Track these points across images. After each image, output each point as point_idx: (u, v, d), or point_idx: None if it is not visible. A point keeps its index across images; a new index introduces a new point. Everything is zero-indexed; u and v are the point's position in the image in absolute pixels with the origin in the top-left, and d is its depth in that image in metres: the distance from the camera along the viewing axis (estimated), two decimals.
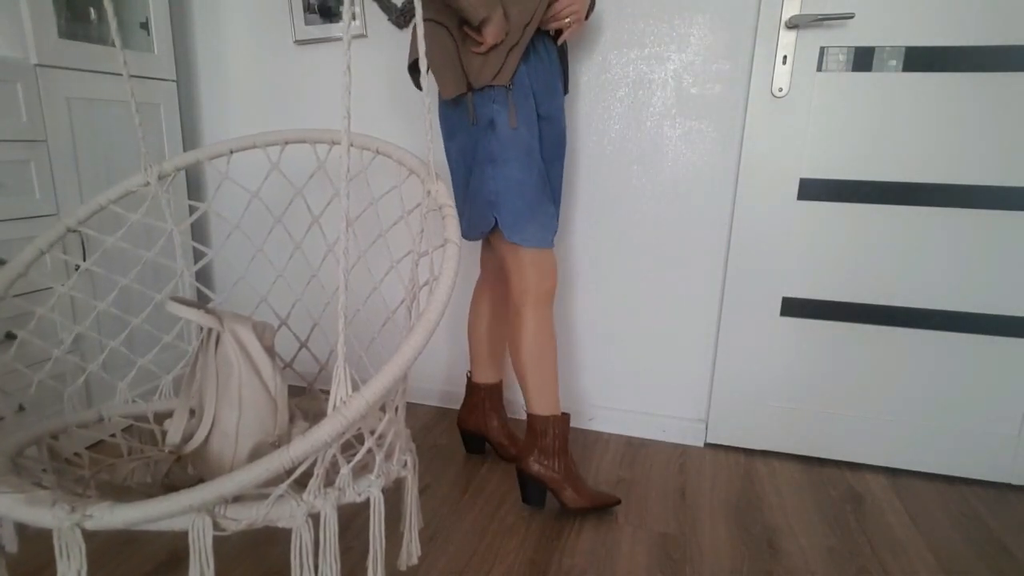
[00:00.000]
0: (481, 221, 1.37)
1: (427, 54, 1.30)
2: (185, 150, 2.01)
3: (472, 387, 1.68)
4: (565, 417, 1.43)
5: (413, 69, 1.42)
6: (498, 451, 1.68)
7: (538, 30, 1.34)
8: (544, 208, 1.37)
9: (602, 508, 1.45)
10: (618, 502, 1.46)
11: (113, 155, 1.71)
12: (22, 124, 1.47)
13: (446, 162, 1.47)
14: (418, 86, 1.46)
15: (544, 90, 1.38)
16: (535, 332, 1.39)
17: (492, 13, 1.22)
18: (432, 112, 1.48)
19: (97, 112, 1.66)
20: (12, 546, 0.88)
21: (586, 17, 1.39)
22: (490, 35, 1.24)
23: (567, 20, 1.33)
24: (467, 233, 1.43)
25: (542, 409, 1.41)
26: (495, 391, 1.67)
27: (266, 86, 1.97)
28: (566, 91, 1.51)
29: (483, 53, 1.27)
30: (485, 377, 1.66)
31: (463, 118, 1.35)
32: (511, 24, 1.26)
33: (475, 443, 1.70)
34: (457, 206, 1.45)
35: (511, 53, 1.27)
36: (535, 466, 1.42)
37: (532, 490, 1.44)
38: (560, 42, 1.39)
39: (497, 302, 1.61)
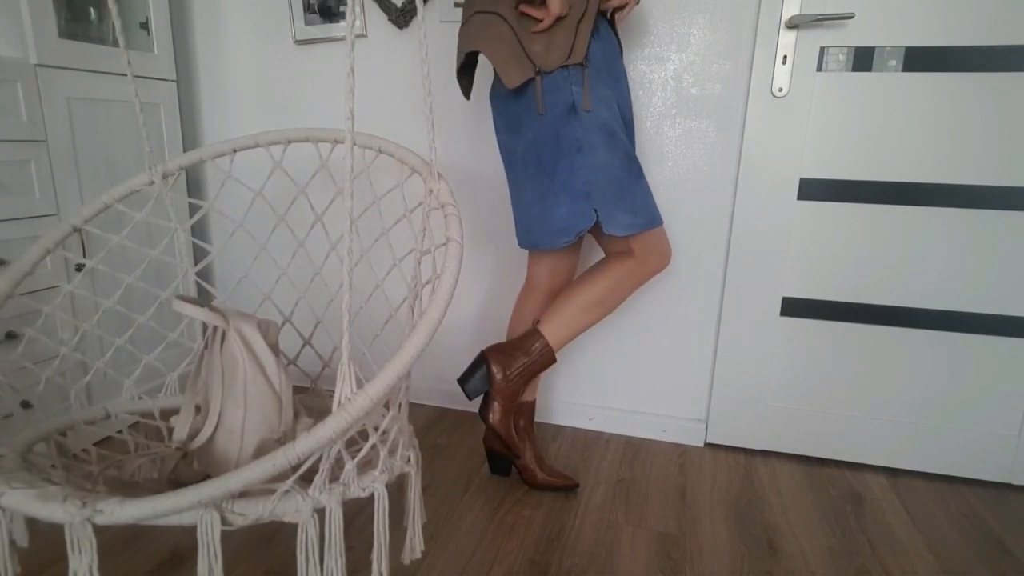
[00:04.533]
0: (577, 218, 1.27)
1: (486, 45, 1.24)
2: (185, 150, 2.01)
3: None
4: (553, 357, 1.39)
5: (463, 73, 1.34)
6: (523, 475, 1.53)
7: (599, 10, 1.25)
8: (632, 190, 1.28)
9: (505, 446, 1.45)
10: (519, 456, 1.47)
11: (113, 155, 1.71)
12: (22, 124, 1.47)
13: (449, 160, 1.44)
14: (466, 94, 1.40)
15: (608, 73, 1.28)
16: (612, 286, 1.34)
17: None
18: (434, 111, 1.45)
19: (97, 112, 1.66)
20: (23, 541, 0.88)
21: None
22: (555, 4, 1.15)
23: None
24: (556, 237, 1.31)
25: (549, 334, 1.37)
26: (528, 411, 1.52)
27: (266, 86, 1.98)
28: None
29: (545, 30, 1.19)
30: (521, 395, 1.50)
31: (530, 108, 1.25)
32: None
33: (501, 464, 1.56)
34: (523, 210, 1.38)
35: (580, 27, 1.18)
36: (495, 362, 1.38)
37: (476, 376, 1.40)
38: (619, 21, 1.30)
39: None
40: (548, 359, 1.39)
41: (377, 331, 1.20)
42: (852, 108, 1.50)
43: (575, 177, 1.25)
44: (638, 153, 1.68)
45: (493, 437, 1.52)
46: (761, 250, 1.63)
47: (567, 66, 1.20)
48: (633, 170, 1.29)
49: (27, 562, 1.23)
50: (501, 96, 1.32)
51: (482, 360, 1.41)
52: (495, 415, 1.41)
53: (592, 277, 1.38)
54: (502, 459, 1.55)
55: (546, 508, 1.46)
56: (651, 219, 1.32)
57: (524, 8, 1.20)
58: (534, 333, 1.39)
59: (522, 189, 1.36)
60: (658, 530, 1.39)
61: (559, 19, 1.19)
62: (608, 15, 1.33)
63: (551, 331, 1.38)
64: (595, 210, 1.26)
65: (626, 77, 1.39)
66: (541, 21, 1.19)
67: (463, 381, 1.41)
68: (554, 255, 1.48)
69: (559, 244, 1.32)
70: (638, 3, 1.33)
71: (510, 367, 1.39)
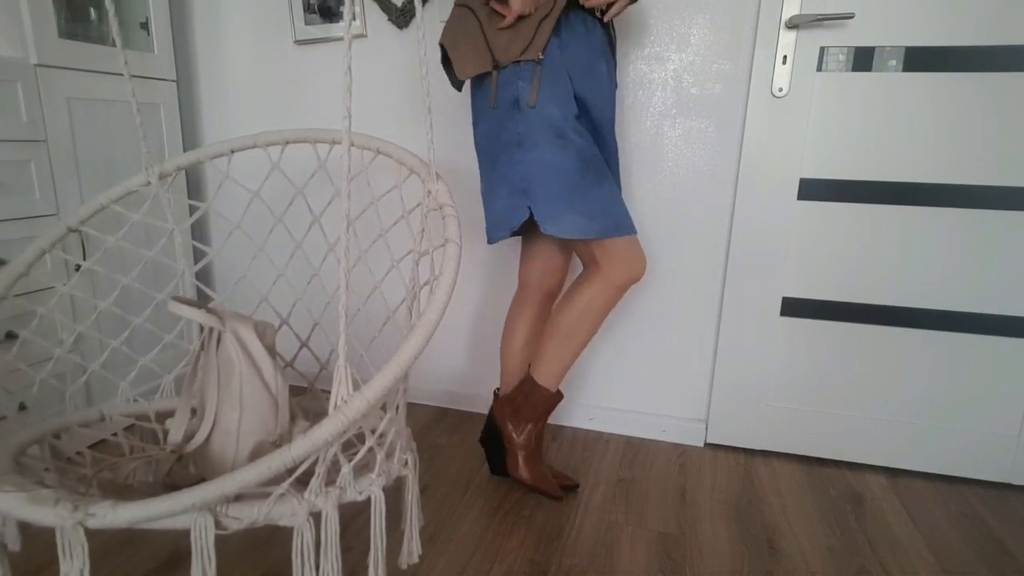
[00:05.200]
0: (512, 213, 1.27)
1: (451, 36, 1.28)
2: (185, 150, 2.01)
3: None
4: (557, 395, 1.42)
5: (445, 61, 1.36)
6: (507, 462, 1.52)
7: (580, 7, 1.25)
8: (587, 193, 1.24)
9: (543, 494, 1.47)
10: (560, 498, 1.48)
11: (113, 155, 1.71)
12: (22, 124, 1.47)
13: (448, 161, 1.45)
14: (455, 85, 1.40)
15: (582, 73, 1.26)
16: (585, 307, 1.33)
17: None
18: (433, 112, 1.44)
19: (97, 112, 1.66)
20: (15, 545, 0.88)
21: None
22: (516, 2, 1.16)
23: None
24: (494, 230, 1.32)
25: (541, 378, 1.40)
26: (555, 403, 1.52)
27: (266, 86, 1.97)
28: (614, 84, 1.39)
29: (510, 26, 1.20)
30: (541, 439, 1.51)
31: (486, 101, 1.27)
32: None
33: (501, 464, 1.55)
34: (483, 199, 1.39)
35: (542, 24, 1.19)
36: (505, 420, 1.43)
37: (492, 441, 1.48)
38: (606, 20, 1.29)
39: (536, 319, 1.51)
40: (553, 401, 1.43)
41: (375, 332, 1.19)
42: (852, 108, 1.50)
43: (512, 172, 1.26)
44: (637, 154, 1.67)
45: (489, 435, 1.55)
46: (761, 250, 1.63)
47: (519, 61, 1.21)
48: (590, 173, 1.25)
49: (22, 565, 1.23)
50: (472, 89, 1.35)
51: (491, 422, 1.48)
52: (523, 472, 1.45)
53: (563, 305, 1.39)
54: (501, 459, 1.55)
55: (546, 508, 1.46)
56: (613, 226, 1.27)
57: (492, 4, 1.23)
58: (530, 382, 1.42)
59: (480, 180, 1.40)
60: (658, 530, 1.39)
61: (523, 16, 1.20)
62: (598, 12, 1.31)
63: (544, 376, 1.41)
64: (528, 207, 1.25)
65: (612, 78, 1.37)
66: (506, 17, 1.21)
67: (485, 447, 1.54)
68: (542, 254, 1.47)
69: (495, 238, 1.33)
70: (634, 2, 1.31)
71: (518, 418, 1.44)
